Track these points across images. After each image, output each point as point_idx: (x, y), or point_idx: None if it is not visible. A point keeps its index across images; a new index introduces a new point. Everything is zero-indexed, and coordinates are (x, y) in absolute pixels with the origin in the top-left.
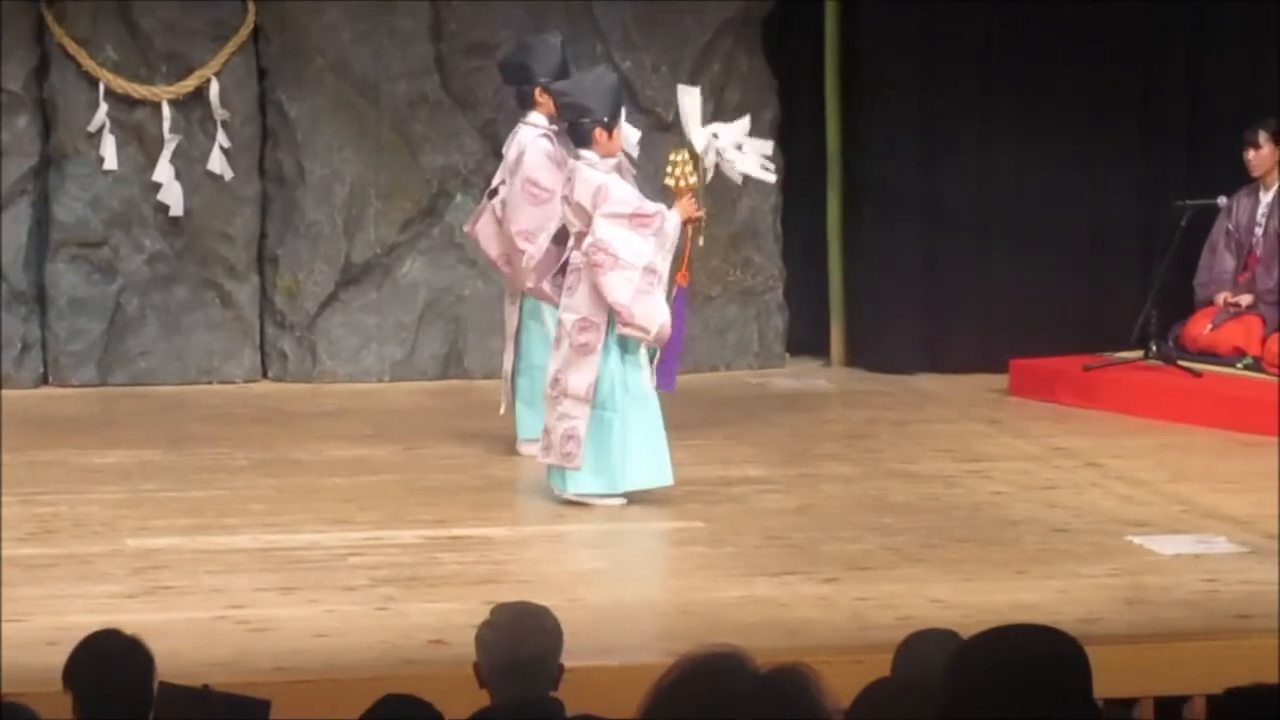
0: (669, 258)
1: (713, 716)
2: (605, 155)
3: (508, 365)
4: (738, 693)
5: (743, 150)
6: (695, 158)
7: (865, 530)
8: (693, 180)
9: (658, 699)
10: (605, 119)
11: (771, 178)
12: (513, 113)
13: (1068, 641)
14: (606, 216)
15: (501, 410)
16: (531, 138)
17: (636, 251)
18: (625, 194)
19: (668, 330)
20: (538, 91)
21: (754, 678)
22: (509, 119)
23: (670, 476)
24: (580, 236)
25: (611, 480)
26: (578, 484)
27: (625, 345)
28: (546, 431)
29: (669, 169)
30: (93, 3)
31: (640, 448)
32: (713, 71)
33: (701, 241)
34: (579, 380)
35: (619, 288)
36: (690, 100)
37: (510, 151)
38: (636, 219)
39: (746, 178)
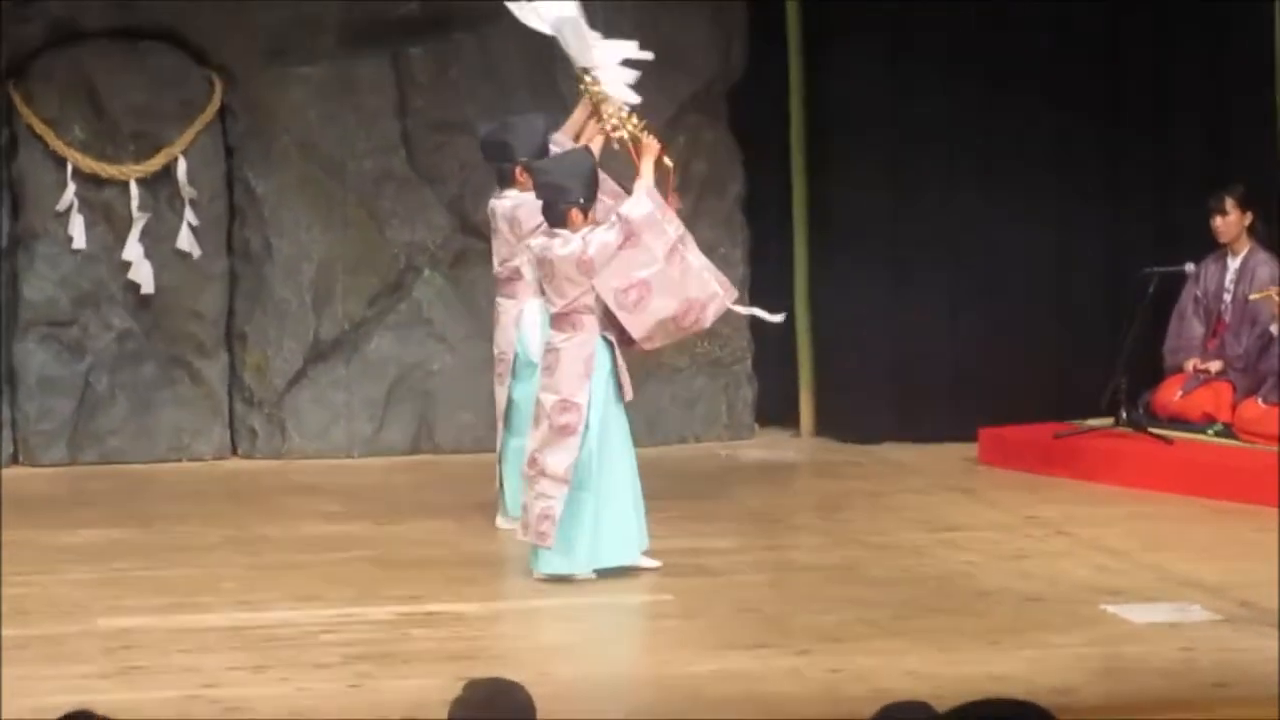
0: (673, 222)
1: None
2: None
3: (500, 444)
4: None
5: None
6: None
7: (837, 602)
8: (636, 121)
9: None
10: (581, 200)
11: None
12: (479, 188)
13: (1042, 714)
14: (609, 266)
15: (498, 487)
16: (509, 206)
17: (651, 260)
18: (603, 241)
19: (728, 288)
20: (518, 170)
21: None
22: (475, 194)
23: (639, 556)
24: (560, 317)
25: (581, 559)
26: (548, 564)
27: (606, 423)
28: (524, 509)
29: (614, 124)
30: (60, 83)
31: (613, 526)
32: (678, 145)
33: (670, 162)
34: (558, 461)
35: (666, 305)
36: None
37: (500, 224)
38: (628, 243)
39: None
